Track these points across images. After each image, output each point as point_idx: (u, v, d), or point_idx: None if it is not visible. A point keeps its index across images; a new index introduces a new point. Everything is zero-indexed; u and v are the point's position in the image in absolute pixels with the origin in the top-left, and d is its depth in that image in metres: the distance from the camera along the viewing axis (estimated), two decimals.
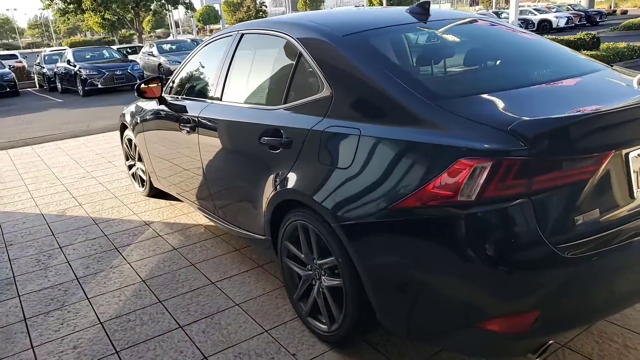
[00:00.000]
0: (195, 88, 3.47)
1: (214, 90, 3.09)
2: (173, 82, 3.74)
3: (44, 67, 19.34)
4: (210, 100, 3.09)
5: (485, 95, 1.92)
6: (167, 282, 3.02)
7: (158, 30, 69.23)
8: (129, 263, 3.31)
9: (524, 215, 1.59)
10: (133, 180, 4.88)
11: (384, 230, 1.85)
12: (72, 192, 5.00)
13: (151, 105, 3.87)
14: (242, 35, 2.97)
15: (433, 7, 2.63)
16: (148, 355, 2.33)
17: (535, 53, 2.49)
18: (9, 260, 3.49)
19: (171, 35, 34.74)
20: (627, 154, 1.73)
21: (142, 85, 3.58)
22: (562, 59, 2.45)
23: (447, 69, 2.46)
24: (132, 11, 28.68)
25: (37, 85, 20.67)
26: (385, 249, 1.88)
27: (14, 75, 18.73)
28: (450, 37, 2.53)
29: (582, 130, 1.65)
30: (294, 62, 2.43)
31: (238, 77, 2.94)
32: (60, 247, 3.64)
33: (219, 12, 69.20)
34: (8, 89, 17.57)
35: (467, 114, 1.75)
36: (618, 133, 1.74)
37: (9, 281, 3.17)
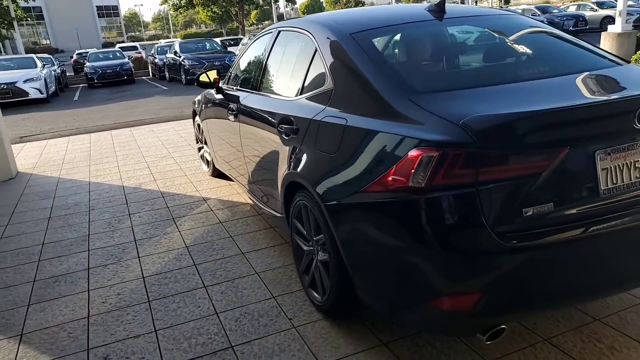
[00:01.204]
0: (242, 79, 3.85)
1: (254, 82, 3.45)
2: (230, 73, 4.16)
3: (156, 58, 21.26)
4: (250, 91, 3.45)
5: (461, 91, 2.06)
6: (206, 249, 3.44)
7: (266, 22, 71.98)
8: (179, 231, 3.79)
9: (469, 204, 1.73)
10: (201, 161, 5.43)
11: (356, 211, 2.07)
12: (151, 169, 5.68)
13: (212, 94, 4.33)
14: (280, 32, 3.28)
15: (455, 4, 2.75)
16: (172, 306, 2.75)
17: (540, 48, 2.52)
18: (89, 221, 4.15)
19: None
20: (594, 152, 1.79)
21: (201, 76, 4.04)
22: (570, 55, 2.46)
23: (438, 65, 2.57)
24: (237, 5, 30.34)
25: (151, 74, 22.74)
26: (357, 227, 2.10)
27: (132, 65, 20.85)
28: (456, 34, 2.64)
29: (531, 126, 1.74)
30: (311, 57, 2.69)
31: (271, 70, 3.27)
32: (129, 214, 4.24)
33: (323, 4, 70.51)
34: (125, 77, 19.62)
35: (433, 108, 1.90)
36: (577, 131, 1.80)
37: (84, 238, 3.80)
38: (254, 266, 3.15)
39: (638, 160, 1.87)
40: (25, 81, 14.03)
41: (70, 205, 4.61)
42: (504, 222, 1.73)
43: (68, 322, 2.67)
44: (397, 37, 2.56)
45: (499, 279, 1.77)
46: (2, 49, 35.90)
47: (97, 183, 5.30)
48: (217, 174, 4.98)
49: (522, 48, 2.58)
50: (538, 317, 2.41)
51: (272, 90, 3.17)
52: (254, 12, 57.55)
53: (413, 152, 1.78)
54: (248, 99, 3.39)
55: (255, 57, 3.68)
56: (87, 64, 20.51)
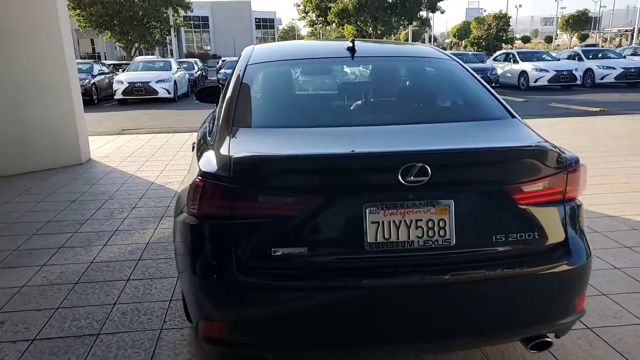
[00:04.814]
0: None
1: None
2: None
3: None
4: None
5: (278, 129, 2.15)
6: (160, 248, 3.77)
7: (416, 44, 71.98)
8: (155, 229, 4.18)
9: (223, 235, 1.81)
10: None
11: (177, 228, 2.20)
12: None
13: None
14: None
15: (365, 43, 2.76)
16: (88, 291, 3.11)
17: (412, 95, 2.46)
18: (98, 208, 4.76)
19: None
20: (362, 205, 1.75)
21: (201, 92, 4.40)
22: (437, 105, 2.37)
23: (290, 102, 2.57)
24: (370, 25, 31.12)
25: None
26: (176, 243, 2.24)
27: None
28: (345, 74, 2.63)
29: (282, 169, 1.78)
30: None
31: None
32: (133, 208, 4.77)
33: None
34: None
35: (235, 142, 1.99)
36: (337, 180, 1.79)
37: (81, 221, 4.39)
38: None
39: (421, 220, 1.77)
40: (157, 81, 16.02)
41: (98, 192, 5.31)
42: (252, 259, 1.78)
43: (5, 288, 3.17)
44: (281, 71, 2.64)
45: (240, 313, 1.81)
46: (169, 51, 41.04)
47: (136, 177, 5.99)
48: None
49: (392, 93, 2.52)
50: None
51: None
52: (402, 33, 58.12)
53: (194, 180, 1.89)
54: None
55: None
56: (221, 70, 22.62)
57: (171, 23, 29.02)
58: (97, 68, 17.47)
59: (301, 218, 1.75)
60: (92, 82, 15.98)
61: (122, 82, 15.97)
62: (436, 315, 1.85)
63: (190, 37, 68.87)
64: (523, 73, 18.22)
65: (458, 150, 1.87)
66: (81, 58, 35.51)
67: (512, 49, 33.79)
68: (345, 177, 1.79)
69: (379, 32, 32.31)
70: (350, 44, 2.65)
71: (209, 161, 1.93)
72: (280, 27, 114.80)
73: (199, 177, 1.86)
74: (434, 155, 1.79)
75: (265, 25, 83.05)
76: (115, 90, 15.97)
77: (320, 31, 36.93)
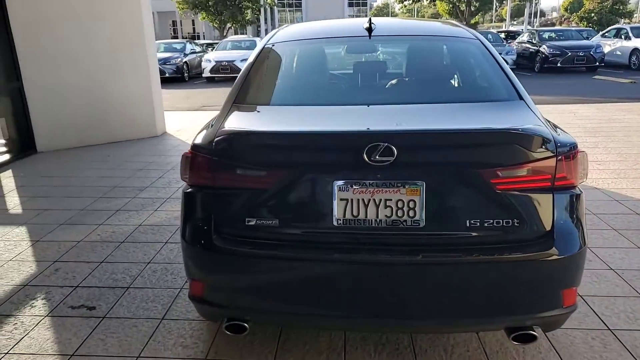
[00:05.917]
0: None
1: None
2: None
3: None
4: None
5: (275, 107, 2.27)
6: None
7: (519, 19, 67.66)
8: None
9: (206, 203, 2.00)
10: None
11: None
12: None
13: None
14: None
15: (389, 21, 2.77)
16: (130, 249, 3.49)
17: (424, 75, 2.44)
18: (159, 178, 5.20)
19: (504, 25, 34.26)
20: (332, 182, 1.84)
21: None
22: (445, 85, 2.35)
23: (296, 81, 2.62)
24: (464, 1, 29.75)
25: None
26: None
27: None
28: (355, 52, 2.66)
29: (258, 145, 1.92)
30: None
31: None
32: None
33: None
34: None
35: (231, 117, 2.16)
36: (304, 156, 1.90)
37: (142, 188, 4.84)
38: None
39: (390, 199, 1.81)
40: (241, 60, 16.58)
41: (163, 163, 5.79)
42: (227, 226, 1.95)
43: (66, 241, 3.64)
44: (291, 51, 2.73)
45: (216, 275, 1.99)
46: (262, 31, 42.19)
47: None
48: None
49: (400, 73, 2.52)
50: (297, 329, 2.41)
51: None
52: (504, 9, 54.86)
53: (185, 152, 2.09)
54: None
55: None
56: None
57: (261, 3, 29.83)
58: (189, 47, 18.52)
59: (273, 191, 1.88)
60: (184, 60, 17.03)
61: (210, 61, 16.82)
62: (407, 295, 1.87)
63: (283, 16, 70.10)
64: (635, 51, 16.42)
65: (423, 131, 1.88)
66: (183, 38, 37.69)
67: (629, 23, 30.51)
68: (315, 154, 1.88)
69: (473, 9, 30.80)
70: (368, 24, 2.68)
71: (202, 135, 2.11)
72: (375, 4, 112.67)
73: (190, 150, 2.05)
74: (399, 136, 1.81)
75: (358, 3, 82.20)
76: (203, 69, 16.87)
77: (415, 8, 35.81)
